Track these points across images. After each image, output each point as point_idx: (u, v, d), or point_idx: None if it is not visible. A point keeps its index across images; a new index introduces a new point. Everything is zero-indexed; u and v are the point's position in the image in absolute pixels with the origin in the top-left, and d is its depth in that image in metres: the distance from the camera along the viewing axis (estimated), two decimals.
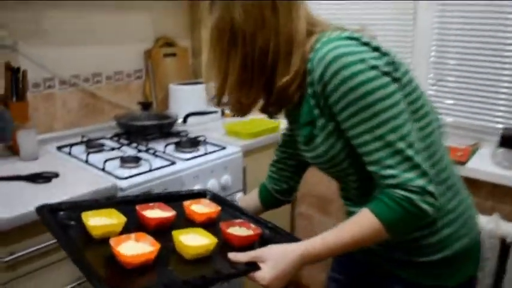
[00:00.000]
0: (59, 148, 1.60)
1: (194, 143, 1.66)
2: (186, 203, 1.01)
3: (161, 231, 0.87)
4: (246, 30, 0.83)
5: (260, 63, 0.85)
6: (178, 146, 1.63)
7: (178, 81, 2.07)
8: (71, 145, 1.59)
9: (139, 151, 1.58)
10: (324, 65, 0.79)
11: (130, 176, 1.34)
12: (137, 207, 0.93)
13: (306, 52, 0.85)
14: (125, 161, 1.45)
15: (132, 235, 0.81)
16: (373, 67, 0.77)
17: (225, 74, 0.87)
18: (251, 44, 0.84)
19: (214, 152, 1.62)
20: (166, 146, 1.60)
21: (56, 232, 0.85)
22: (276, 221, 1.75)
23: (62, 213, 0.96)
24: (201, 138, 1.71)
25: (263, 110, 0.97)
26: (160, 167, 1.44)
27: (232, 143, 1.73)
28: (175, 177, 1.42)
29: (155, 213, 0.94)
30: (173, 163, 1.48)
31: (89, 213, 0.89)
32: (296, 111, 0.91)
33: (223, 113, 2.17)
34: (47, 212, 0.93)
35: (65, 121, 1.79)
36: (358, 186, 0.90)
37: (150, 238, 0.81)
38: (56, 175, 1.34)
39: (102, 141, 1.68)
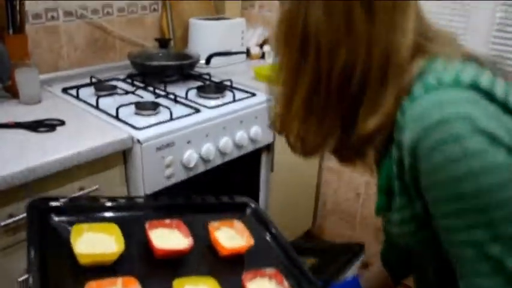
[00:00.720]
0: (65, 90, 1.39)
1: (220, 88, 1.44)
2: (213, 226, 0.77)
3: (170, 262, 0.69)
4: (323, 37, 0.56)
5: (339, 87, 0.57)
6: (202, 91, 1.41)
7: (199, 16, 1.81)
8: (79, 87, 1.38)
9: (157, 96, 1.37)
10: (421, 129, 0.51)
11: (149, 126, 1.14)
12: (147, 224, 0.71)
13: (404, 87, 0.56)
14: (141, 107, 1.24)
15: (119, 281, 0.61)
16: (506, 149, 0.48)
17: (291, 92, 0.61)
18: (329, 57, 0.57)
19: (243, 99, 1.40)
20: (188, 90, 1.39)
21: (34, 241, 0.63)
22: (303, 173, 1.55)
23: (56, 219, 0.71)
24: (227, 83, 1.49)
25: (334, 151, 0.70)
26: (183, 115, 1.23)
27: (262, 89, 1.50)
28: (199, 128, 1.22)
29: (168, 237, 0.72)
30: (197, 111, 1.27)
31: (84, 226, 0.67)
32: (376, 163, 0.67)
33: (248, 54, 1.93)
34: (36, 213, 0.69)
35: (71, 59, 1.57)
36: (438, 281, 0.65)
37: None
38: (62, 122, 1.14)
39: (113, 83, 1.47)
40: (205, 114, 1.26)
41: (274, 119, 0.68)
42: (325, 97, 0.59)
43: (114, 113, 1.19)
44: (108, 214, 0.76)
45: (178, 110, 1.27)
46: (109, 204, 0.77)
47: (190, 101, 1.35)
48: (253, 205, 0.90)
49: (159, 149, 1.12)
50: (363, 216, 2.01)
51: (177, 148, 1.17)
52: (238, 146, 1.35)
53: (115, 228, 0.68)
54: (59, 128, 1.12)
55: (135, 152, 1.10)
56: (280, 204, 1.78)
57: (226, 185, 1.48)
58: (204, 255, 0.74)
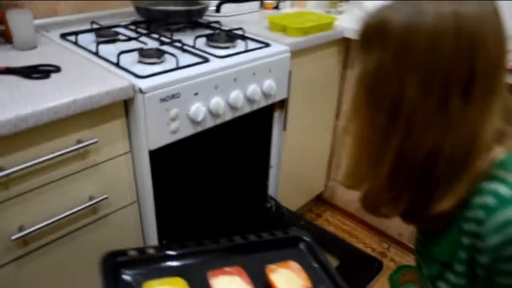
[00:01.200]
0: (63, 36, 1.28)
1: (231, 36, 1.31)
2: (270, 269, 0.79)
3: None
4: (416, 114, 0.55)
5: (423, 165, 0.57)
6: (211, 39, 1.29)
7: None
8: (78, 33, 1.27)
9: (162, 43, 1.25)
10: (503, 239, 0.54)
11: (152, 75, 1.03)
12: (209, 273, 0.76)
13: (477, 177, 0.57)
14: (144, 54, 1.13)
15: None
16: None
17: (376, 156, 0.60)
18: (418, 134, 0.55)
19: (256, 49, 1.28)
20: (196, 38, 1.27)
21: None
22: (317, 133, 1.49)
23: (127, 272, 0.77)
24: (239, 32, 1.36)
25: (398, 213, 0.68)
26: (190, 64, 1.12)
27: (276, 39, 1.38)
28: (208, 78, 1.11)
29: (230, 285, 0.75)
30: (206, 60, 1.15)
31: (153, 283, 0.73)
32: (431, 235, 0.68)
33: (261, 4, 1.79)
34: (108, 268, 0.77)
35: (71, 3, 1.44)
36: None
37: None
38: (57, 69, 1.04)
39: (116, 29, 1.35)
40: (214, 64, 1.15)
41: (344, 177, 0.67)
42: (407, 173, 0.58)
43: (114, 60, 1.09)
44: (172, 263, 0.82)
45: (185, 58, 1.16)
46: (173, 253, 0.83)
47: (199, 49, 1.23)
48: (308, 240, 0.93)
49: (163, 100, 1.02)
50: None
51: (183, 100, 1.06)
52: (250, 101, 1.24)
53: (181, 283, 0.73)
54: (53, 75, 1.01)
55: (137, 103, 0.99)
56: (292, 165, 1.69)
57: (236, 143, 1.39)
58: None
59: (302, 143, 1.73)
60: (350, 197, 2.07)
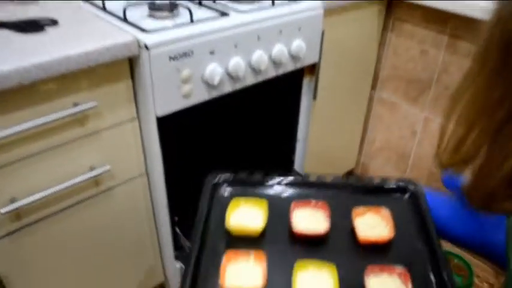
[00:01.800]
0: None
1: None
2: (357, 212, 0.74)
3: (305, 243, 0.71)
4: None
5: None
6: None
7: None
8: None
9: None
10: None
11: (160, 29, 0.89)
12: (293, 204, 0.75)
13: None
14: (155, 8, 0.99)
15: (251, 254, 0.68)
16: None
17: (477, 115, 0.47)
18: None
19: (284, 4, 1.11)
20: None
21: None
22: (350, 104, 1.43)
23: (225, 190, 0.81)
24: None
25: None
26: (206, 19, 0.96)
27: None
28: (226, 35, 0.96)
29: (309, 218, 0.74)
30: (225, 14, 1.00)
31: (241, 200, 0.75)
32: None
33: None
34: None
35: None
36: None
37: (263, 266, 0.66)
38: (54, 22, 0.91)
39: None
40: (234, 19, 0.99)
41: (451, 148, 0.51)
42: None
43: (121, 15, 0.95)
44: (266, 189, 0.81)
45: (201, 12, 1.00)
46: (272, 181, 0.82)
47: (217, 3, 1.07)
48: (419, 185, 0.81)
49: (173, 58, 0.87)
50: (417, 157, 1.74)
51: (197, 59, 0.92)
52: (275, 63, 1.09)
53: (265, 204, 0.75)
54: (49, 29, 0.88)
55: (143, 62, 0.86)
56: (321, 138, 1.53)
57: (258, 112, 1.24)
58: (341, 241, 0.73)
59: (333, 115, 1.56)
60: (383, 174, 1.90)
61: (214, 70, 0.94)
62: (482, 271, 1.63)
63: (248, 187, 0.80)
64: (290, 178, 0.82)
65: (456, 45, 1.44)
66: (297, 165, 1.50)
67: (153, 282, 1.27)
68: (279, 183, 0.82)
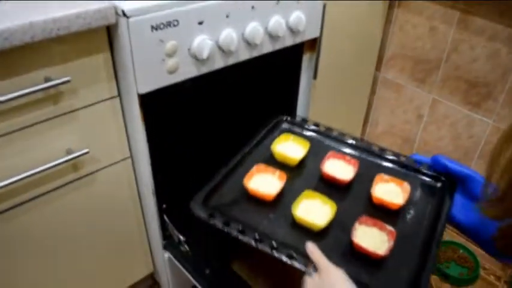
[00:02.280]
0: None
1: None
2: (381, 176, 0.84)
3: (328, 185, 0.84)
4: None
5: None
6: None
7: None
8: None
9: None
10: None
11: None
12: (330, 153, 0.89)
13: None
14: None
15: (277, 172, 0.83)
16: None
17: None
18: None
19: None
20: None
21: None
22: (352, 85, 1.44)
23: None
24: None
25: None
26: None
27: None
28: (216, 4, 0.86)
29: (339, 167, 0.87)
30: None
31: (290, 136, 0.94)
32: None
33: None
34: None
35: None
36: None
37: (282, 184, 0.81)
38: None
39: None
40: None
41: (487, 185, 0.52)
42: None
43: None
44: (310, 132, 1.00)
45: None
46: (315, 127, 1.01)
47: None
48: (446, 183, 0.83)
49: (155, 28, 0.78)
50: (423, 141, 1.65)
51: (183, 30, 0.82)
52: (271, 36, 0.99)
53: (307, 145, 0.91)
54: None
55: (122, 31, 0.76)
56: (321, 121, 1.44)
57: (253, 91, 1.15)
58: (356, 195, 0.83)
59: (334, 96, 1.47)
60: None
61: (203, 42, 0.84)
62: (489, 263, 1.56)
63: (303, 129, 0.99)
64: (342, 136, 0.96)
65: (468, 22, 1.34)
66: None
67: (141, 272, 1.19)
68: (328, 136, 0.98)
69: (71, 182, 0.89)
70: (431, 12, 1.42)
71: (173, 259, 1.10)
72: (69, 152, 0.84)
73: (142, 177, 0.98)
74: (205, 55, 0.85)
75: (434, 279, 1.53)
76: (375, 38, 1.52)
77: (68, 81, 0.76)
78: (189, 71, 0.87)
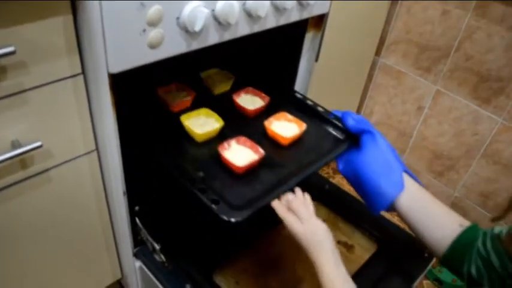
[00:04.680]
0: None
1: None
2: (283, 115, 0.91)
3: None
4: None
5: None
6: None
7: None
8: None
9: None
10: None
11: None
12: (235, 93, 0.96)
13: None
14: None
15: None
16: None
17: None
18: None
19: None
20: None
21: None
22: (352, 69, 1.33)
23: None
24: None
25: None
26: None
27: None
28: None
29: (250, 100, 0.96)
30: None
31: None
32: None
33: None
34: None
35: None
36: None
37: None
38: None
39: None
40: None
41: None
42: None
43: None
44: None
45: None
46: None
47: None
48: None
49: None
50: (421, 136, 1.52)
51: None
52: (277, 9, 0.81)
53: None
54: None
55: None
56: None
57: (248, 71, 0.98)
58: (256, 127, 0.90)
59: (331, 81, 1.31)
60: None
61: (196, 10, 0.65)
62: None
63: None
64: None
65: (487, 7, 1.19)
66: None
67: (108, 279, 1.01)
68: None
69: (19, 181, 0.69)
70: None
71: (145, 269, 0.93)
72: (15, 146, 0.64)
73: (111, 175, 0.79)
74: (198, 27, 0.66)
75: (427, 283, 1.44)
76: (379, 21, 1.36)
77: (12, 53, 0.56)
78: (175, 46, 0.68)
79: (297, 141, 0.87)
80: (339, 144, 0.88)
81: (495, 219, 0.53)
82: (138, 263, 0.95)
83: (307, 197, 0.76)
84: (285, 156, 0.84)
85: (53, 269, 0.86)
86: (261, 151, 0.79)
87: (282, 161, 0.82)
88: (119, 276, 1.03)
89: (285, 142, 0.85)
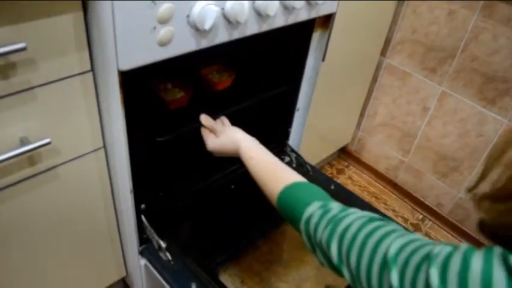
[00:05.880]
0: None
1: None
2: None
3: None
4: None
5: None
6: None
7: None
8: None
9: None
10: None
11: None
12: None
13: None
14: None
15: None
16: None
17: None
18: None
19: None
20: None
21: None
22: (355, 70, 1.28)
23: None
24: None
25: None
26: None
27: None
28: None
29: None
30: None
31: None
32: None
33: None
34: None
35: None
36: None
37: None
38: None
39: None
40: None
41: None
42: None
43: None
44: None
45: None
46: None
47: None
48: None
49: None
50: (425, 137, 1.52)
51: None
52: (286, 8, 0.81)
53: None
54: None
55: None
56: (320, 109, 1.28)
57: (254, 71, 0.97)
58: None
59: (337, 81, 1.30)
60: (381, 153, 1.68)
61: (206, 9, 0.65)
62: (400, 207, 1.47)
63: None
64: None
65: (494, 8, 1.19)
66: (292, 140, 1.25)
67: (112, 278, 1.01)
68: None
69: (26, 178, 0.69)
70: None
71: (150, 267, 0.93)
72: (24, 143, 0.64)
73: (118, 172, 0.79)
74: (207, 25, 0.66)
75: None
76: (385, 20, 1.36)
77: (22, 49, 0.56)
78: (185, 44, 0.68)
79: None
80: None
81: (471, 189, 0.53)
82: (143, 261, 0.95)
83: (223, 117, 0.89)
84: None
85: (58, 266, 0.86)
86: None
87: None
88: (123, 274, 1.03)
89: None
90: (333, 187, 1.13)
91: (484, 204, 0.50)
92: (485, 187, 0.50)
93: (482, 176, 0.50)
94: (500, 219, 0.48)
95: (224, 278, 0.89)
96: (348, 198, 1.10)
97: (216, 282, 0.84)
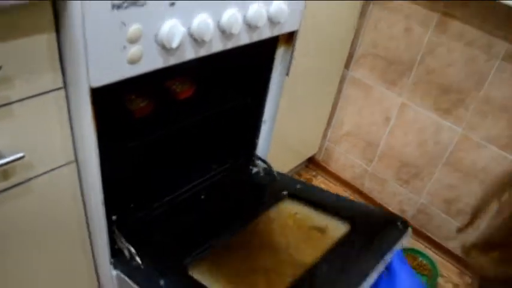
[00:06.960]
0: None
1: None
2: None
3: None
4: None
5: None
6: None
7: None
8: None
9: None
10: None
11: None
12: None
13: None
14: None
15: None
16: None
17: None
18: None
19: None
20: None
21: None
22: (321, 82, 1.33)
23: None
24: None
25: None
26: None
27: None
28: None
29: None
30: None
31: None
32: None
33: None
34: None
35: None
36: None
37: None
38: None
39: None
40: None
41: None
42: None
43: None
44: None
45: None
46: None
47: None
48: None
49: (117, 7, 0.62)
50: (387, 146, 1.59)
51: (151, 12, 0.67)
52: (250, 27, 0.86)
53: None
54: None
55: (72, 8, 0.60)
56: (286, 120, 1.34)
57: (221, 85, 1.02)
58: None
59: (302, 94, 1.37)
60: (347, 162, 1.75)
61: (173, 29, 0.69)
62: (448, 271, 1.54)
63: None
64: None
65: (447, 25, 1.28)
66: (260, 150, 1.29)
67: None
68: None
69: (1, 191, 0.71)
70: (409, 12, 1.35)
71: (122, 275, 0.95)
72: None
73: (89, 184, 0.82)
74: (174, 44, 0.70)
75: None
76: (348, 33, 1.44)
77: None
78: (153, 62, 0.72)
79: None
80: None
81: (461, 230, 0.58)
82: (115, 272, 0.97)
83: None
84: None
85: (30, 279, 0.87)
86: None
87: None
88: (95, 286, 1.04)
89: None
90: (298, 186, 1.18)
91: (472, 253, 0.54)
92: (472, 238, 0.54)
93: (474, 217, 0.54)
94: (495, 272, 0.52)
95: (195, 275, 0.92)
96: (314, 193, 1.15)
97: (185, 276, 0.87)
